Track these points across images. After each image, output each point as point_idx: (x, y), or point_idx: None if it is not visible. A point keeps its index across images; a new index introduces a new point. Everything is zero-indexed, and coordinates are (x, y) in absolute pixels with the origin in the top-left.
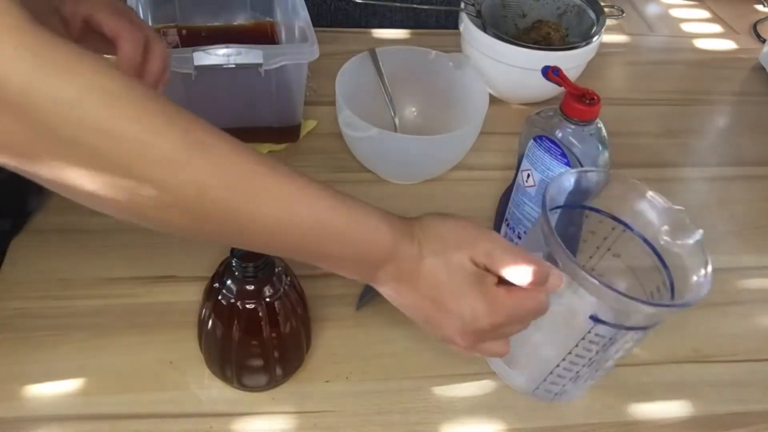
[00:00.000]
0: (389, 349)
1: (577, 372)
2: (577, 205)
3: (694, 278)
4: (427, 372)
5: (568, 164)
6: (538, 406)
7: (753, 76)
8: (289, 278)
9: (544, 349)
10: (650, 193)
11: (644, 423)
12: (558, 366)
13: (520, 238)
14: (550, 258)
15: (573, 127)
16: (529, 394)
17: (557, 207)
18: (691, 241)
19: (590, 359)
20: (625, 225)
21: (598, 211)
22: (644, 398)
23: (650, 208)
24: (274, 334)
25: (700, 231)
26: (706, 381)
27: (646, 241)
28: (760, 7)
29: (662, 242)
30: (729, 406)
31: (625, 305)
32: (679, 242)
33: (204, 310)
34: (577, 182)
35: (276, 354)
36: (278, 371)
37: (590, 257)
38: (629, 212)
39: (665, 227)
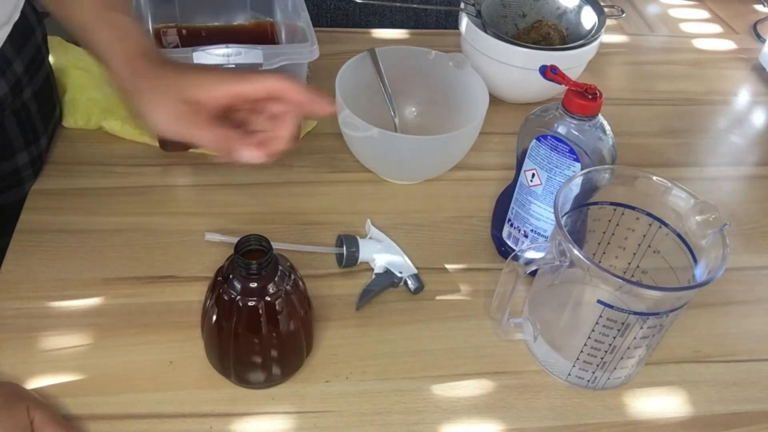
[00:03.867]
0: (389, 349)
1: (602, 359)
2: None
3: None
4: (427, 372)
5: (577, 160)
6: (538, 405)
7: (753, 76)
8: (293, 278)
9: (570, 334)
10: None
11: (644, 423)
12: (582, 351)
13: (526, 236)
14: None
15: (576, 122)
16: (564, 380)
17: (581, 205)
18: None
19: (610, 345)
20: (660, 221)
21: (632, 208)
22: (644, 398)
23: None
24: (273, 333)
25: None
26: (706, 381)
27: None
28: (760, 7)
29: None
30: (729, 406)
31: (627, 289)
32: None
33: (208, 302)
34: (586, 181)
35: (274, 353)
36: (276, 370)
37: (633, 253)
38: (660, 207)
39: (695, 218)
